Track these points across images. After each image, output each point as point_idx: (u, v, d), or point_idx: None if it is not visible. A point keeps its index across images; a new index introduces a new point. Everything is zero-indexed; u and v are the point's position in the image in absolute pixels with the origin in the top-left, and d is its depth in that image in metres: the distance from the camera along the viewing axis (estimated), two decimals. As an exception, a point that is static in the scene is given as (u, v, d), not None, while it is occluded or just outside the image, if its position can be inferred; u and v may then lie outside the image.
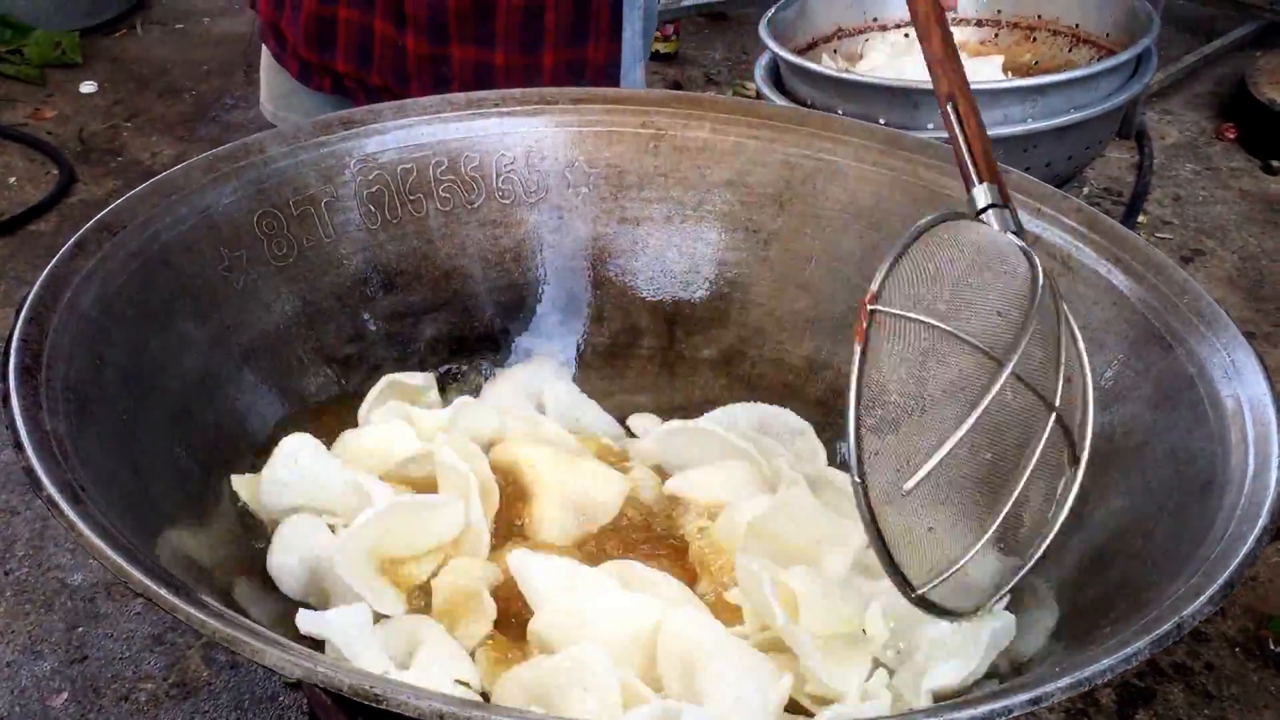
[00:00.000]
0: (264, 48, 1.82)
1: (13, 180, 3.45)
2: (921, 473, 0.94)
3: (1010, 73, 2.86)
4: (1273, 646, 2.06)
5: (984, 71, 2.80)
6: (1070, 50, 2.91)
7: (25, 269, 3.07)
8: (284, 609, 1.09)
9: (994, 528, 0.97)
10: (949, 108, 1.20)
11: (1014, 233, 1.11)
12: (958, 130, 1.18)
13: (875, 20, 3.07)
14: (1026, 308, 1.01)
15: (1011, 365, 0.97)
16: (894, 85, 2.50)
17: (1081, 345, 1.07)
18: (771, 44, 2.68)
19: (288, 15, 1.70)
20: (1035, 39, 2.98)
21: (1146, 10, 2.69)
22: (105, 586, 2.15)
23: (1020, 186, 1.32)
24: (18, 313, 1.04)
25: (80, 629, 2.07)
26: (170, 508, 1.07)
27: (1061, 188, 2.58)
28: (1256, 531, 0.91)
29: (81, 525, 0.86)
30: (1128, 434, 1.13)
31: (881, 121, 2.40)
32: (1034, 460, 0.99)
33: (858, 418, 0.93)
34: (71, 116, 3.79)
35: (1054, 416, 1.00)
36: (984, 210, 1.13)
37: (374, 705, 0.74)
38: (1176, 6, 4.07)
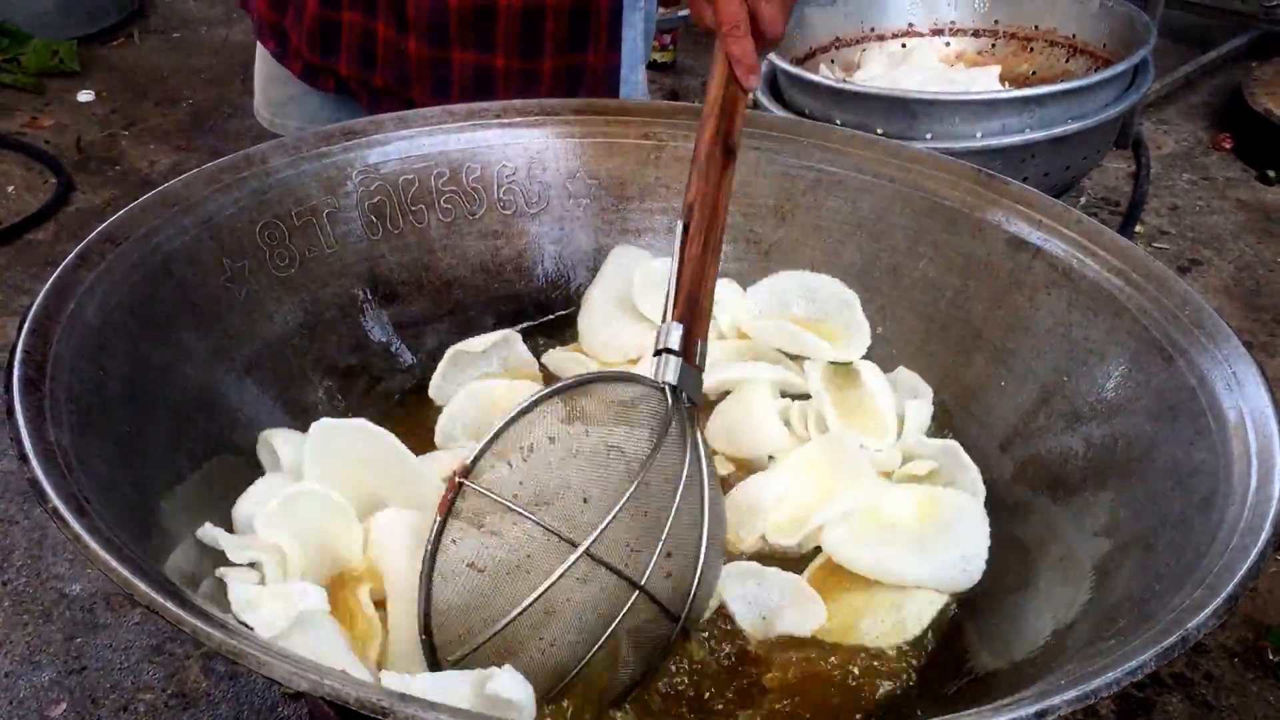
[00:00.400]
0: (259, 53, 1.82)
1: (10, 189, 3.45)
2: (464, 650, 0.99)
3: (1008, 83, 2.87)
4: (1271, 657, 2.06)
5: (982, 82, 2.81)
6: (1067, 61, 2.92)
7: (23, 278, 3.07)
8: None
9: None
10: (680, 223, 1.14)
11: (669, 387, 1.07)
12: (676, 250, 1.12)
13: (872, 31, 3.09)
14: (625, 480, 1.02)
15: (585, 546, 0.98)
16: (891, 95, 2.51)
17: (709, 494, 1.07)
18: (770, 54, 2.69)
19: (291, 17, 1.70)
20: (1033, 49, 3.00)
21: (1143, 21, 2.70)
22: (104, 597, 2.14)
23: (1021, 198, 1.33)
24: (21, 324, 1.04)
25: (79, 639, 2.07)
26: (172, 519, 1.06)
27: (1059, 198, 2.59)
28: (1260, 545, 0.91)
29: (87, 537, 0.86)
30: (1129, 446, 1.13)
31: (879, 131, 2.41)
32: (612, 631, 1.01)
33: (428, 582, 0.98)
34: (69, 125, 3.79)
35: (637, 593, 1.01)
36: (658, 353, 1.09)
37: (380, 718, 0.74)
38: (1172, 17, 4.07)
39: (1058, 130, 2.48)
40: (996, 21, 3.02)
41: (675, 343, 1.08)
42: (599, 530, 0.98)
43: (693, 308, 1.10)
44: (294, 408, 1.30)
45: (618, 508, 0.99)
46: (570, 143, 1.47)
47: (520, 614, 0.97)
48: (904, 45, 3.05)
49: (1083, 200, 3.42)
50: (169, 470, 1.11)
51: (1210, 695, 2.01)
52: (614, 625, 1.01)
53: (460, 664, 0.98)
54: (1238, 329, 2.94)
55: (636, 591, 1.01)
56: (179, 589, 0.86)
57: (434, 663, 0.99)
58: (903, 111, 2.47)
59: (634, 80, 1.77)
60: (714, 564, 1.10)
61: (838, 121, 2.51)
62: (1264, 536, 0.92)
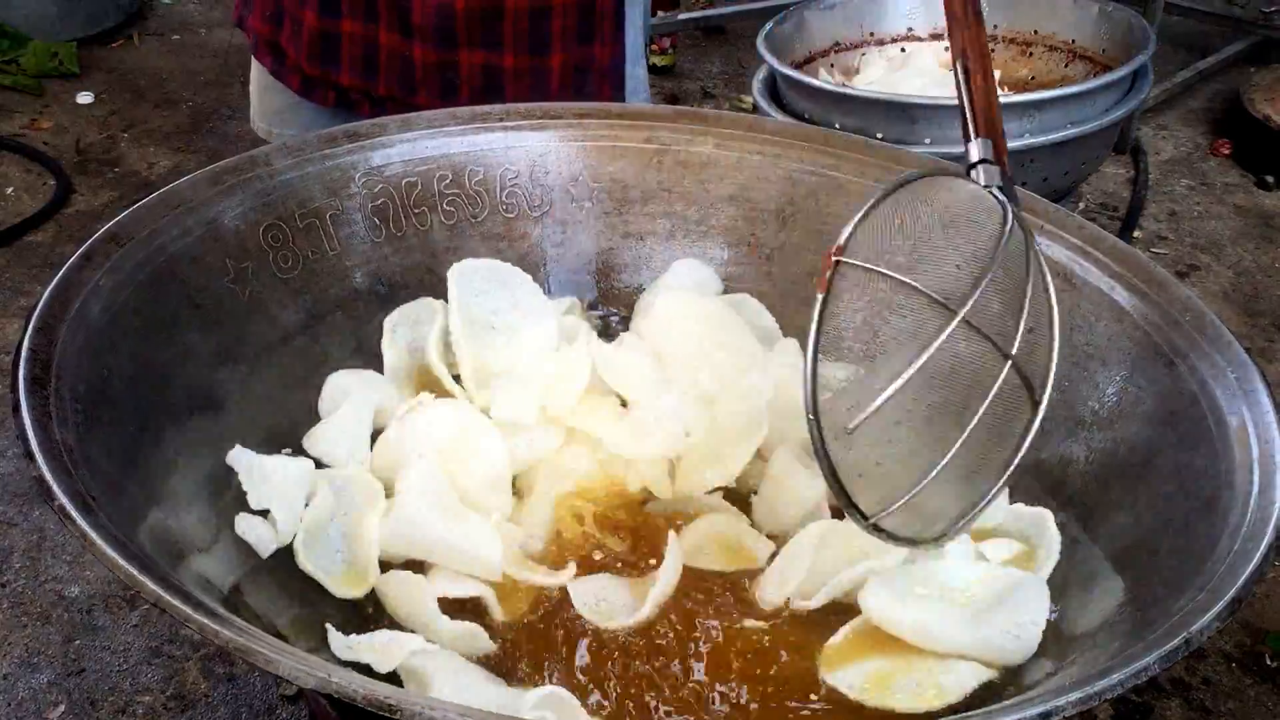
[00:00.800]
0: (255, 65, 1.82)
1: (10, 191, 3.45)
2: (864, 413, 0.97)
3: (1007, 88, 2.87)
4: (1270, 662, 2.07)
5: (981, 87, 2.81)
6: (1066, 66, 2.92)
7: (22, 279, 3.07)
8: (292, 617, 1.10)
9: (944, 464, 1.01)
10: (958, 65, 1.19)
11: (998, 188, 1.11)
12: (963, 85, 1.18)
13: (872, 35, 3.09)
14: (987, 260, 1.04)
15: (962, 314, 1.00)
16: (891, 100, 2.51)
17: (1054, 296, 1.09)
18: (769, 58, 2.69)
19: (288, 31, 1.71)
20: (1032, 54, 3.00)
21: (1142, 27, 2.70)
22: (102, 599, 2.14)
23: (1023, 203, 1.33)
24: (26, 323, 1.05)
25: (77, 641, 2.07)
26: (177, 517, 1.07)
27: (1058, 203, 2.59)
28: (1262, 548, 0.91)
29: (94, 535, 0.86)
30: (1131, 451, 1.13)
31: (879, 136, 2.41)
32: (986, 404, 1.01)
33: (814, 362, 0.97)
34: (68, 127, 3.79)
35: (1009, 364, 1.02)
36: (975, 165, 1.13)
37: (388, 716, 0.74)
38: (1171, 23, 4.09)
39: (1057, 135, 2.48)
40: (995, 26, 3.02)
41: (989, 153, 1.13)
42: (974, 296, 1.00)
43: (991, 125, 1.15)
44: (299, 407, 1.30)
45: (987, 278, 1.02)
46: (573, 146, 1.47)
47: (905, 382, 0.97)
48: (903, 50, 3.05)
49: (1081, 206, 3.43)
50: (172, 470, 1.11)
51: (1208, 700, 2.01)
52: (989, 397, 1.02)
53: (847, 437, 0.98)
54: (1236, 335, 2.94)
55: (1008, 362, 1.02)
56: (186, 587, 0.87)
57: (821, 443, 0.97)
58: (902, 116, 2.47)
59: (636, 75, 1.78)
60: (1063, 350, 1.11)
61: (837, 126, 2.51)
62: (1266, 541, 0.92)
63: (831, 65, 3.01)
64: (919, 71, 2.91)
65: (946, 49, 3.04)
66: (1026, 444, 1.05)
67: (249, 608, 1.07)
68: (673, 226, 1.48)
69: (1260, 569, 0.90)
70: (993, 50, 3.00)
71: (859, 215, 0.99)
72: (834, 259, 0.98)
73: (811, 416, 0.97)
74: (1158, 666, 0.82)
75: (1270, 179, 3.57)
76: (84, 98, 3.96)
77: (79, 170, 3.56)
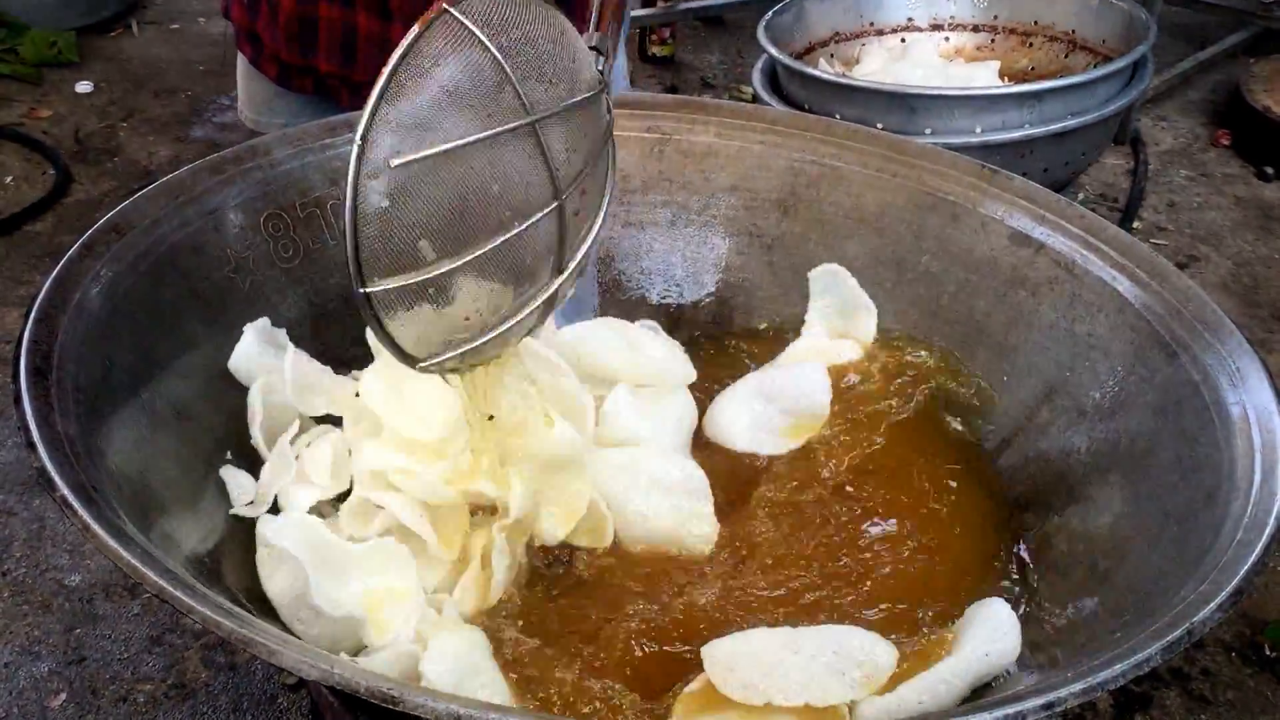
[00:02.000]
0: (239, 55, 1.82)
1: (9, 180, 3.44)
2: (407, 158, 0.90)
3: (1007, 78, 2.87)
4: (1269, 652, 2.07)
5: (981, 77, 2.81)
6: (1067, 56, 2.92)
7: (21, 269, 3.06)
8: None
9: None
10: None
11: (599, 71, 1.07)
12: None
13: (871, 25, 3.09)
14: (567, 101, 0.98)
15: (533, 119, 0.93)
16: (891, 90, 2.51)
17: (612, 181, 1.08)
18: (769, 48, 2.69)
19: (264, 19, 1.70)
20: (1032, 45, 3.00)
21: (1143, 17, 2.70)
22: (103, 588, 2.14)
23: (1024, 193, 1.33)
24: (27, 313, 1.04)
25: (78, 630, 2.07)
26: (178, 508, 1.07)
27: (1058, 194, 2.59)
28: (1264, 539, 0.92)
29: (95, 526, 0.86)
30: (1133, 441, 1.13)
31: (879, 126, 2.40)
32: (522, 228, 0.96)
33: (373, 111, 0.90)
34: (67, 116, 3.78)
35: (556, 205, 0.97)
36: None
37: (390, 707, 0.75)
38: (1171, 13, 4.08)
39: (1057, 126, 2.48)
40: (996, 17, 3.02)
41: (601, 44, 1.10)
42: (547, 114, 0.95)
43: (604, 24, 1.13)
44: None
45: (564, 105, 0.97)
46: (574, 135, 1.47)
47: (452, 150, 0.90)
48: (903, 40, 3.05)
49: (1080, 196, 3.43)
50: (173, 460, 1.11)
51: (1207, 690, 2.01)
52: (525, 224, 0.96)
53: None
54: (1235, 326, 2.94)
55: (556, 203, 0.98)
56: (188, 578, 0.87)
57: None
58: (902, 106, 2.47)
59: (617, 64, 1.77)
60: (600, 233, 1.09)
61: (837, 116, 2.51)
62: (1268, 531, 0.92)
63: (831, 55, 3.01)
64: (919, 62, 2.91)
65: (947, 39, 3.04)
66: (537, 305, 1.01)
67: (247, 598, 1.07)
68: (674, 215, 1.47)
69: (1262, 560, 0.90)
70: (993, 41, 3.00)
71: None
72: (444, 6, 0.90)
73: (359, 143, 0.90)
74: (1160, 657, 0.82)
75: (1270, 170, 3.56)
76: (83, 86, 3.95)
77: (78, 159, 3.56)
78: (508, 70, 0.93)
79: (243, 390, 1.21)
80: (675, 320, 1.46)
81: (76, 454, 0.94)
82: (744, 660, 0.98)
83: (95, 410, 1.02)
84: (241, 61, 1.82)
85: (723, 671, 0.98)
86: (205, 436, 1.16)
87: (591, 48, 1.09)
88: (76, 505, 0.88)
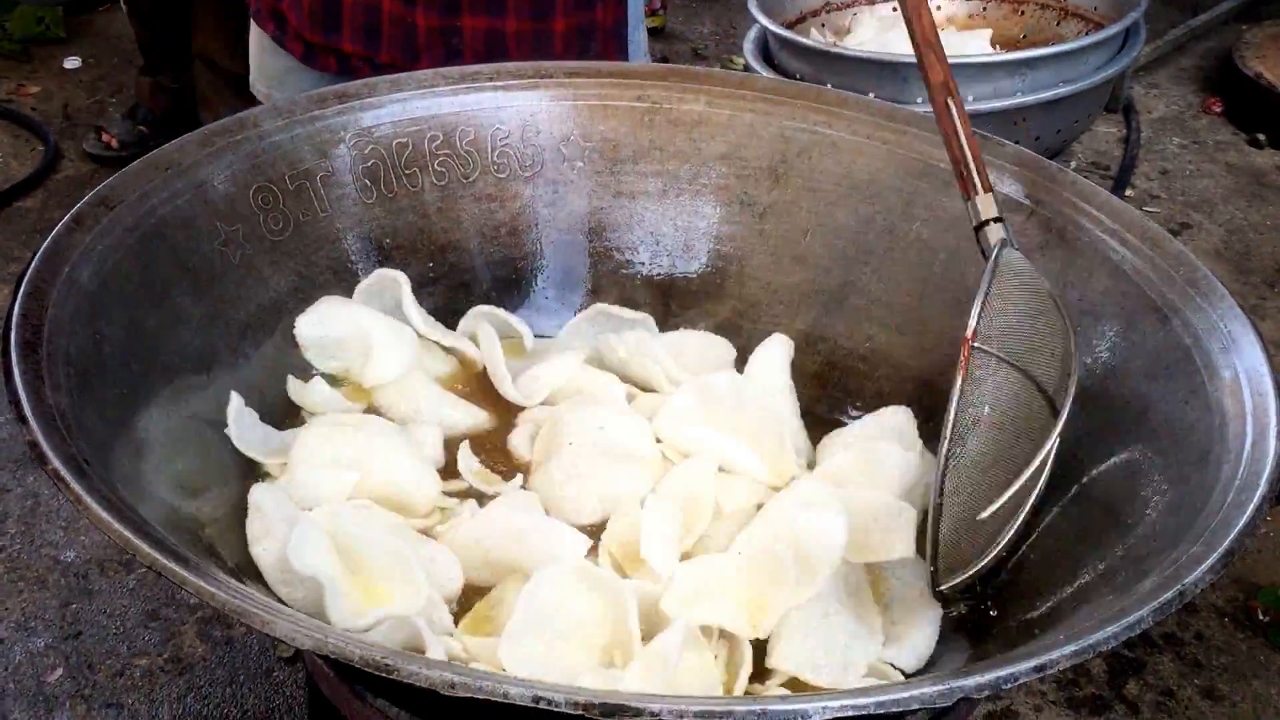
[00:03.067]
0: (255, 30, 1.81)
1: (-2, 156, 3.43)
2: (998, 503, 1.08)
3: (999, 46, 2.86)
4: (1261, 616, 2.08)
5: (973, 45, 2.80)
6: (1059, 24, 2.91)
7: (12, 245, 3.05)
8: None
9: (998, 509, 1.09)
10: (948, 101, 1.20)
11: (1012, 244, 1.18)
12: (959, 129, 1.19)
13: (864, -7, 3.07)
14: (1040, 321, 1.16)
15: (1064, 415, 1.11)
16: (883, 59, 2.50)
17: (1072, 324, 1.17)
18: (761, 18, 2.68)
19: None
20: (1024, 12, 2.98)
21: (1135, -17, 2.69)
22: (98, 563, 2.14)
23: (1016, 158, 1.33)
24: (17, 287, 1.04)
25: (74, 605, 2.07)
26: (171, 481, 1.07)
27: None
28: (1255, 500, 0.92)
29: (88, 499, 0.86)
30: (1125, 404, 1.13)
31: (871, 95, 2.40)
32: (1036, 448, 1.11)
33: (949, 445, 1.06)
34: (55, 92, 3.76)
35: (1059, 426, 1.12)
36: (985, 224, 1.19)
37: (384, 676, 0.75)
38: (1163, -20, 4.07)
39: (1049, 94, 2.47)
40: (990, -18, 3.01)
41: (996, 211, 1.20)
42: (1071, 392, 1.12)
43: (985, 176, 1.21)
44: (290, 371, 1.30)
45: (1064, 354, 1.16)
46: (564, 105, 1.46)
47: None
48: (894, 9, 3.04)
49: (1073, 164, 3.42)
50: (166, 433, 1.11)
51: (1200, 655, 2.02)
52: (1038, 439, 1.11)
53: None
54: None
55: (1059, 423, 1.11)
56: (182, 550, 0.87)
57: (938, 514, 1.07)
58: (894, 75, 2.47)
59: (637, 40, 1.77)
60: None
61: (829, 85, 2.51)
62: (1259, 492, 0.93)
63: (823, 25, 3.00)
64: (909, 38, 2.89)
65: (939, 8, 3.03)
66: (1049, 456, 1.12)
67: (241, 570, 1.07)
68: (665, 185, 1.47)
69: (1254, 521, 0.90)
70: (984, 9, 2.99)
71: (979, 301, 1.09)
72: (971, 344, 1.07)
73: (939, 500, 1.06)
74: (1152, 619, 0.82)
75: (1261, 137, 3.56)
76: (71, 63, 3.93)
77: (67, 135, 3.54)
78: (1029, 375, 1.12)
79: (232, 366, 1.22)
80: (667, 290, 1.46)
81: (68, 427, 0.94)
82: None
83: (86, 384, 1.02)
84: (258, 36, 1.82)
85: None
86: (196, 409, 1.16)
87: (984, 223, 1.19)
88: (69, 478, 0.88)
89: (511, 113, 1.45)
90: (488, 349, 1.35)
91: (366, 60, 1.69)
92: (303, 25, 1.70)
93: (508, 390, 1.33)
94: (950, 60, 2.57)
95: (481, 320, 1.39)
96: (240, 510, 1.12)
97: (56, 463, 0.89)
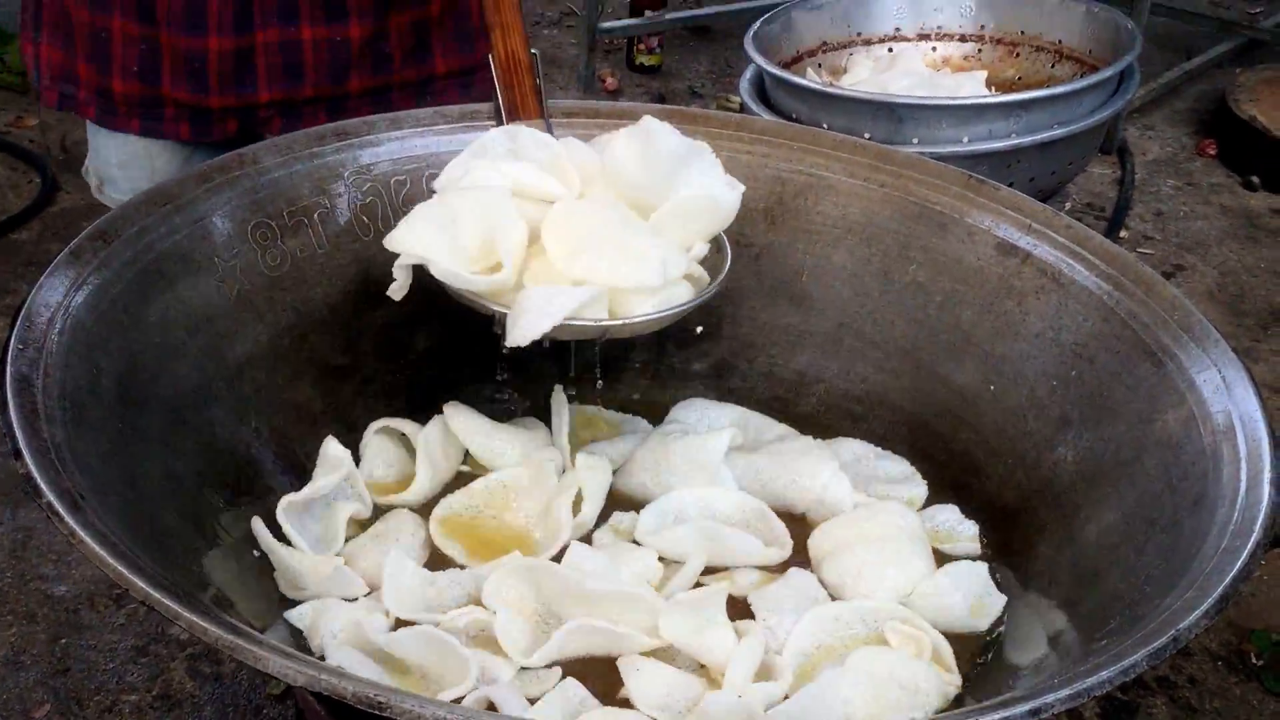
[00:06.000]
0: (109, 134, 1.74)
1: (-5, 188, 3.44)
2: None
3: (994, 88, 2.88)
4: (1255, 660, 2.07)
5: (968, 86, 2.82)
6: (1053, 66, 2.93)
7: (8, 278, 3.05)
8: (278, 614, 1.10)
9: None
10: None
11: None
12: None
13: (859, 35, 3.09)
14: None
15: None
16: (878, 99, 2.51)
17: None
18: (757, 58, 2.69)
19: (173, 74, 1.63)
20: (1019, 54, 3.00)
21: (1128, 28, 2.71)
22: (88, 598, 2.13)
23: (1010, 202, 1.34)
24: (13, 320, 1.04)
25: (63, 640, 2.06)
26: (165, 516, 1.07)
27: (1045, 203, 2.59)
28: (1250, 546, 0.92)
29: (82, 533, 0.86)
30: (1120, 449, 1.14)
31: (866, 135, 2.41)
32: None
33: None
34: (54, 125, 3.77)
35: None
36: None
37: (377, 713, 0.74)
38: (1157, 23, 4.09)
39: (1044, 135, 2.48)
40: (982, 27, 3.03)
41: None
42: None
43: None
44: (285, 406, 1.30)
45: None
46: (562, 144, 1.46)
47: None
48: (890, 50, 3.05)
49: (1068, 206, 3.44)
50: (161, 467, 1.11)
51: (1194, 699, 2.02)
52: None
53: None
54: (1221, 334, 2.95)
55: None
56: (176, 584, 0.86)
57: None
58: (889, 116, 2.48)
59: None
60: None
61: (824, 126, 2.51)
62: (1254, 538, 0.93)
63: (819, 65, 3.01)
64: (906, 72, 2.91)
65: (934, 49, 3.05)
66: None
67: (239, 602, 1.07)
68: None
69: (1248, 567, 0.90)
70: (979, 51, 3.01)
71: None
72: None
73: None
74: (1146, 663, 0.83)
75: (1255, 179, 3.58)
76: (70, 95, 3.94)
77: (64, 168, 3.55)
78: None
79: (231, 400, 1.22)
80: (662, 331, 1.46)
81: (63, 460, 0.94)
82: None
83: (82, 418, 1.02)
84: (121, 143, 1.73)
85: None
86: (192, 444, 1.16)
87: None
88: (63, 512, 0.88)
89: (510, 151, 1.46)
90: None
91: (283, 105, 1.66)
92: (212, 89, 1.64)
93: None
94: (945, 102, 2.59)
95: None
96: (236, 546, 1.12)
97: (51, 496, 0.89)
